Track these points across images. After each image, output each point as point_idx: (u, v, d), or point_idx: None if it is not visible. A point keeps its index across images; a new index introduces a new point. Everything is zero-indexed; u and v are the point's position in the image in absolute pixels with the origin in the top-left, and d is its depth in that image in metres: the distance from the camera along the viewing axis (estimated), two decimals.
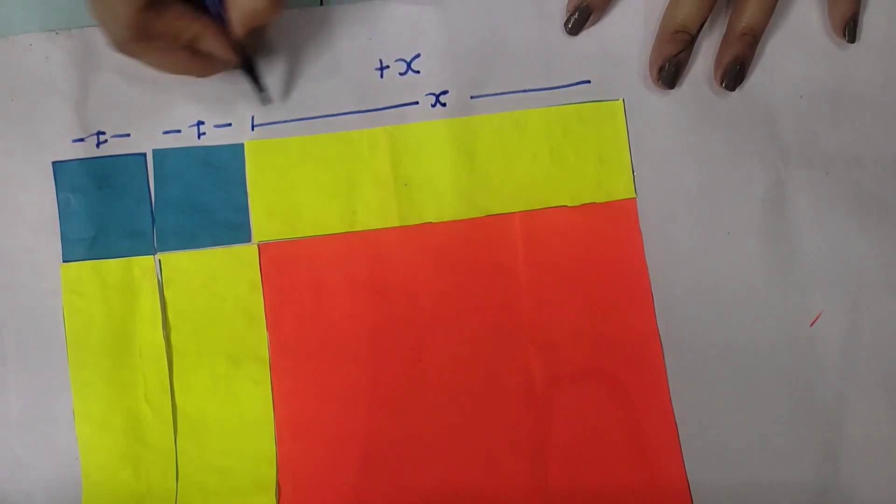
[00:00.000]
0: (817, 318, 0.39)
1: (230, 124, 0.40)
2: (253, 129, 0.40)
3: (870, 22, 0.40)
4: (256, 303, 0.40)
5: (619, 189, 0.40)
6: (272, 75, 0.40)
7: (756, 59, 0.40)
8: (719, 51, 0.39)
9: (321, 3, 0.41)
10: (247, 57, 0.37)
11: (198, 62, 0.37)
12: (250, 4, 0.33)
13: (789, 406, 0.38)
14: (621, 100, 0.40)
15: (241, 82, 0.40)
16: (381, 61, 0.41)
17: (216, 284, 0.40)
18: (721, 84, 0.39)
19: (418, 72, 0.40)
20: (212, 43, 0.35)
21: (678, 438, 0.38)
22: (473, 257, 0.40)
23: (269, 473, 0.39)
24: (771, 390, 0.38)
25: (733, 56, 0.39)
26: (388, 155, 0.40)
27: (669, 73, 0.39)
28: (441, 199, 0.40)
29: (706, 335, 0.39)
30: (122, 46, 0.35)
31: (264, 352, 0.39)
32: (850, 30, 0.39)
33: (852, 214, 0.39)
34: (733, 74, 0.39)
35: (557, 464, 0.38)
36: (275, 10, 0.34)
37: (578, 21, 0.40)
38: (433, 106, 0.40)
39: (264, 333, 0.40)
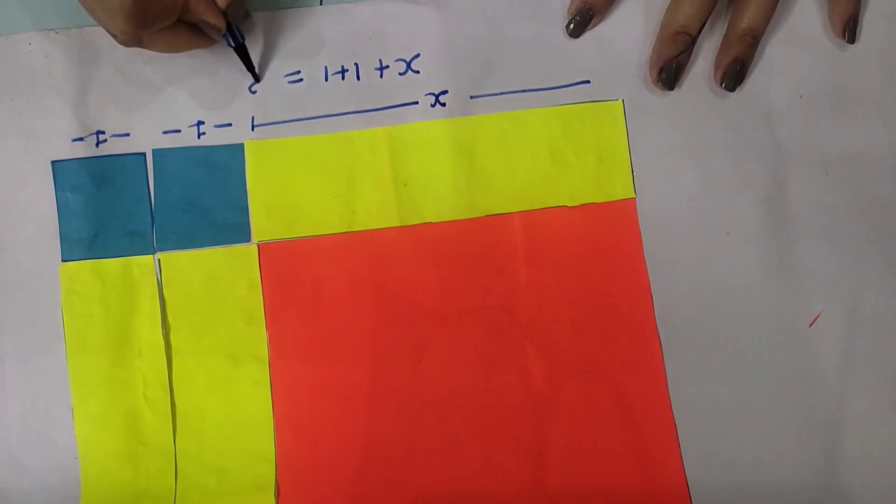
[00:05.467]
0: (816, 318, 0.39)
1: (230, 124, 0.40)
2: (253, 129, 0.40)
3: (869, 22, 0.40)
4: (256, 302, 0.40)
5: (619, 189, 0.40)
6: (273, 75, 0.41)
7: (756, 60, 0.40)
8: (719, 51, 0.39)
9: (321, 3, 0.41)
10: (231, 25, 0.38)
11: (196, 36, 0.38)
12: None
13: (788, 406, 0.38)
14: (621, 100, 0.40)
15: (241, 82, 0.40)
16: (380, 61, 0.41)
17: (216, 284, 0.40)
18: (721, 85, 0.39)
19: (418, 72, 0.40)
20: (200, 8, 0.36)
21: (677, 438, 0.38)
22: (473, 257, 0.40)
23: (268, 473, 0.39)
24: (770, 390, 0.38)
25: (733, 57, 0.39)
26: (388, 155, 0.40)
27: (669, 74, 0.39)
28: (441, 199, 0.40)
29: (705, 335, 0.39)
30: (128, 38, 0.35)
31: (263, 351, 0.39)
32: (849, 30, 0.39)
33: (852, 214, 0.39)
34: (733, 75, 0.39)
35: (556, 464, 0.38)
36: None
37: (580, 24, 0.40)
38: (433, 106, 0.40)
39: (264, 333, 0.40)
